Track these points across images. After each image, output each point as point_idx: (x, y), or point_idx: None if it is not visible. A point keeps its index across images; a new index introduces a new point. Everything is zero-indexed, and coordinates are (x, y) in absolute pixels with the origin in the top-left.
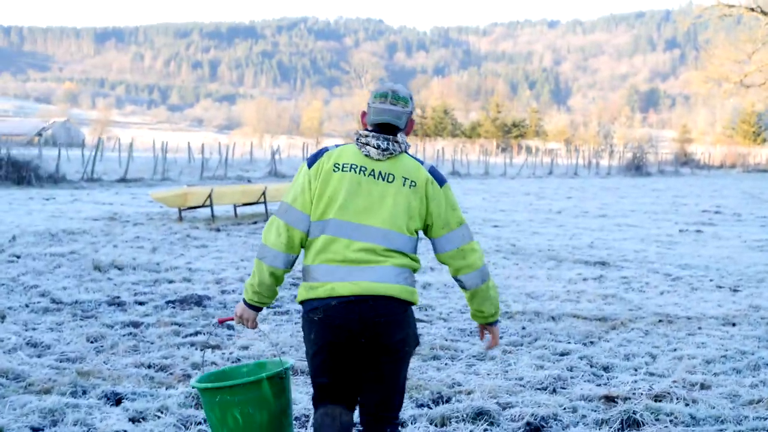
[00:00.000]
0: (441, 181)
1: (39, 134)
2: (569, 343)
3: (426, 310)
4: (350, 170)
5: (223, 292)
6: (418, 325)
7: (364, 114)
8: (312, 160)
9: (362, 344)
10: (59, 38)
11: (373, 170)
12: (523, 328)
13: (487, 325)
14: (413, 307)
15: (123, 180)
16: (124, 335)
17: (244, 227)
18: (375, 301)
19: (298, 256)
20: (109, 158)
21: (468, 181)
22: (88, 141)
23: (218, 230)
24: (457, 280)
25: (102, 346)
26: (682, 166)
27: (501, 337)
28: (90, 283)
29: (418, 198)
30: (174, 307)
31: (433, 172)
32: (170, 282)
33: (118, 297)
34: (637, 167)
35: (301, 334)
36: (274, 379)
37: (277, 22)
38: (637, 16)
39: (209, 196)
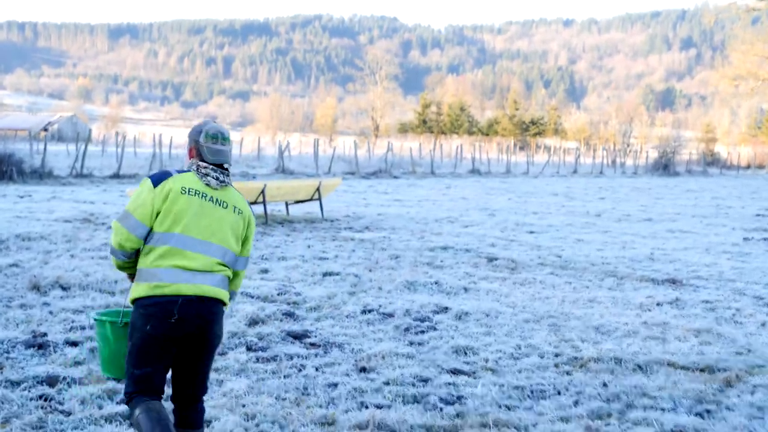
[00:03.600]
0: (254, 214)
1: (45, 129)
2: (676, 411)
3: (466, 353)
4: (195, 195)
5: None
6: (458, 378)
7: (191, 150)
8: (157, 181)
9: (191, 337)
10: (73, 34)
11: (212, 197)
12: (605, 384)
13: None
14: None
15: (116, 176)
16: (30, 399)
17: None
18: (209, 302)
19: (131, 254)
20: (112, 154)
21: (489, 179)
22: (96, 136)
23: None
24: None
25: None
26: (709, 166)
27: (576, 401)
28: (17, 310)
29: (243, 224)
30: None
31: (250, 206)
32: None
33: (45, 334)
34: (664, 167)
35: None
36: (116, 325)
37: (292, 19)
38: (652, 15)
39: None
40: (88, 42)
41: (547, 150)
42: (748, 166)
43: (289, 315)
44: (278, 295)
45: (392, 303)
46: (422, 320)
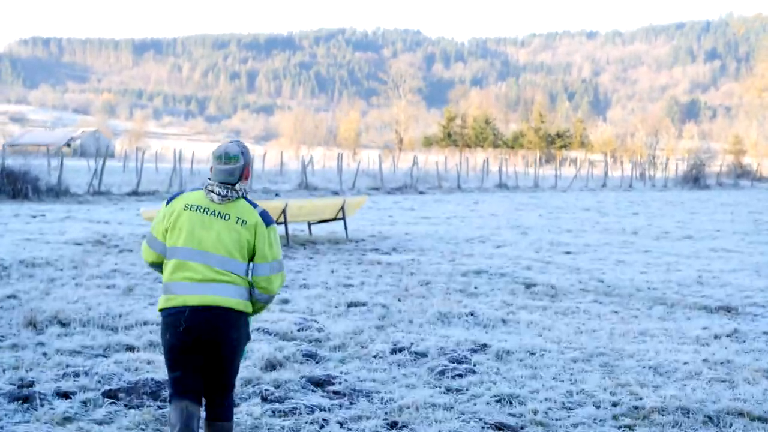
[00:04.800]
0: (268, 223)
1: (67, 144)
2: None
3: (511, 403)
4: (197, 210)
5: None
6: None
7: (211, 168)
8: (169, 200)
9: (205, 343)
10: (98, 49)
11: (214, 210)
12: None
13: None
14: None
15: (134, 193)
16: None
17: None
18: (216, 309)
19: (159, 266)
20: (133, 169)
21: (518, 194)
22: (119, 151)
23: None
24: (252, 290)
25: None
26: (739, 178)
27: None
28: (6, 352)
29: (247, 233)
30: (114, 403)
31: (263, 215)
32: (128, 349)
33: (32, 383)
34: (695, 179)
35: None
36: None
37: (315, 33)
38: (677, 26)
39: None
40: (113, 57)
41: (573, 163)
42: None
43: (311, 356)
44: (299, 331)
45: (425, 340)
46: (459, 361)
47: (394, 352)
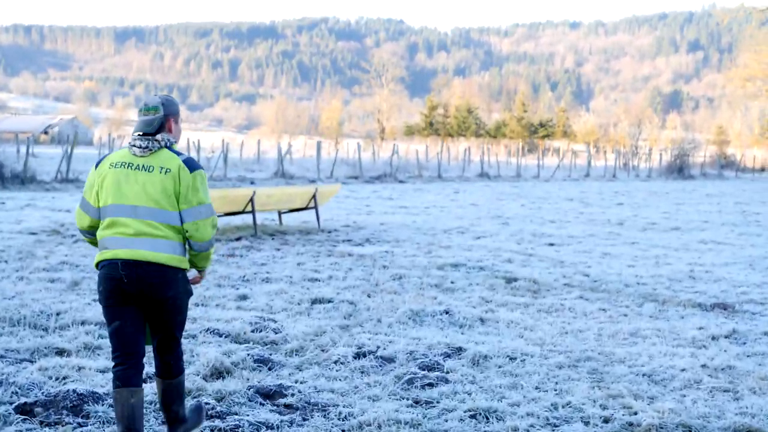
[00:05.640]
0: (192, 168)
1: (45, 132)
2: None
3: (487, 419)
4: (121, 166)
5: None
6: None
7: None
8: (97, 164)
9: (139, 296)
10: (80, 37)
11: (138, 164)
12: None
13: (198, 270)
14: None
15: None
16: None
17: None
18: (148, 266)
19: (92, 232)
20: None
21: (499, 183)
22: (98, 140)
23: None
24: (188, 240)
25: None
26: (723, 168)
27: None
28: None
29: (171, 181)
30: (28, 419)
31: (187, 161)
32: (57, 353)
33: None
34: (679, 170)
35: None
36: None
37: (298, 22)
38: (659, 17)
39: None
40: (95, 45)
41: (556, 152)
42: (763, 169)
43: (263, 362)
44: (253, 332)
45: (393, 342)
46: (430, 368)
47: (357, 356)
